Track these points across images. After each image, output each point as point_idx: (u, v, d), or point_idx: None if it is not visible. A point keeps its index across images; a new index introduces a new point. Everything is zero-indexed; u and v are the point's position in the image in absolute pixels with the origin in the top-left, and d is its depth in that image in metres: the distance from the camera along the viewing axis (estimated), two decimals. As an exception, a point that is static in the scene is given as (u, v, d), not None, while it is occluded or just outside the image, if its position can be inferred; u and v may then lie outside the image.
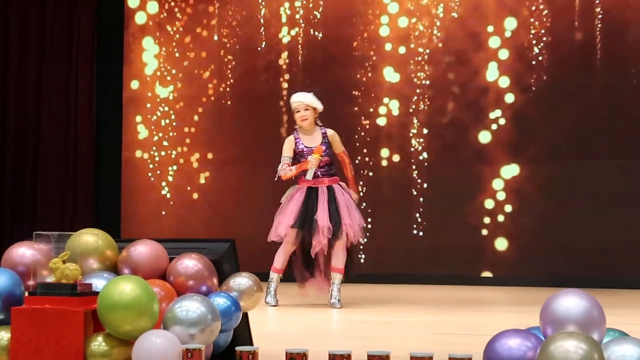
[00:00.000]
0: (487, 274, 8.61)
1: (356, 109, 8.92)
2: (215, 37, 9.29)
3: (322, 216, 6.25)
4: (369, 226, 8.43)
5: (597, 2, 8.44)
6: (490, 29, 8.68)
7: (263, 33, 9.18)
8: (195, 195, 9.29)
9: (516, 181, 8.60)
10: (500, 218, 8.60)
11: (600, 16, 8.43)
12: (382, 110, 8.87)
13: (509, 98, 8.62)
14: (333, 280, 6.35)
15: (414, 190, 8.79)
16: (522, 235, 8.54)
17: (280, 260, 6.41)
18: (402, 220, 8.78)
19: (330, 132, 6.49)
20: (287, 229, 6.32)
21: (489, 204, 8.62)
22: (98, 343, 3.18)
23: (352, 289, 7.39)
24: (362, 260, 8.52)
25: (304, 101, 6.43)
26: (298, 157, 6.42)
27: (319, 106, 6.48)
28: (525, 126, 8.57)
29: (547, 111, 8.53)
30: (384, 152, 8.83)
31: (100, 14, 9.41)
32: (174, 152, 9.36)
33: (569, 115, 8.47)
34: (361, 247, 6.49)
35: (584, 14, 8.47)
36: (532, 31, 8.57)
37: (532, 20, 8.58)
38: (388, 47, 8.90)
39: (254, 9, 9.22)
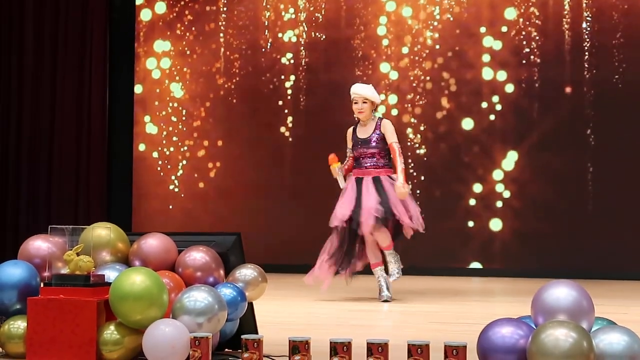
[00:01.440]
0: (478, 265, 8.66)
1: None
2: (222, 38, 9.35)
3: (367, 199, 6.18)
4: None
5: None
6: (485, 23, 8.76)
7: (267, 34, 9.24)
8: (203, 190, 9.33)
9: (514, 172, 8.65)
10: (498, 209, 8.66)
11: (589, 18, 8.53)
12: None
13: (506, 90, 8.70)
14: (387, 257, 6.31)
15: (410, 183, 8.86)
16: (518, 227, 8.61)
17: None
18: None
19: (384, 122, 6.39)
20: (338, 222, 6.28)
21: (484, 195, 8.69)
22: (110, 332, 3.27)
23: (352, 281, 7.47)
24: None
25: (362, 94, 6.34)
26: (354, 147, 6.40)
27: (377, 99, 6.42)
28: (520, 118, 8.65)
29: (543, 103, 8.61)
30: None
31: (113, 17, 9.49)
32: (182, 149, 9.41)
33: (563, 107, 8.57)
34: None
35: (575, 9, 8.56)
36: (529, 28, 8.66)
37: (531, 10, 8.66)
38: (387, 43, 8.97)
39: (258, 11, 9.29)
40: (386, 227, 6.26)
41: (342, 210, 6.28)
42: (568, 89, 8.58)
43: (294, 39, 9.20)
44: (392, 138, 6.32)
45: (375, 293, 6.39)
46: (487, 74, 8.75)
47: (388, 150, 6.34)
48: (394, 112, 8.89)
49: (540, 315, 2.88)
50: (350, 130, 6.50)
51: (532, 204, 8.60)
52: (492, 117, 8.73)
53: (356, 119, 6.49)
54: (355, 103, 6.38)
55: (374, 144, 6.34)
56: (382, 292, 6.31)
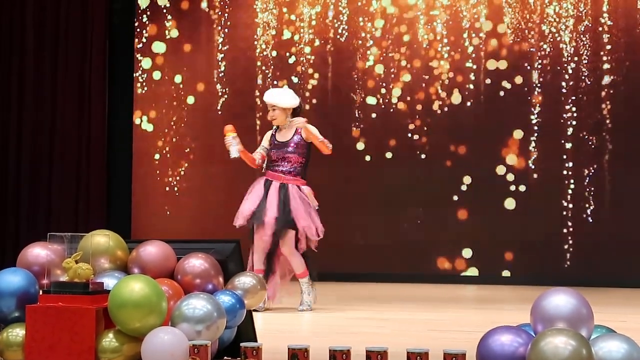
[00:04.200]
0: (474, 271, 8.65)
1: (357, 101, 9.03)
2: (219, 40, 9.38)
3: (270, 208, 6.09)
4: (367, 222, 8.51)
5: None
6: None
7: (260, 39, 9.27)
8: (202, 198, 9.33)
9: (514, 173, 8.68)
10: (499, 215, 8.68)
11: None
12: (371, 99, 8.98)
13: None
14: (301, 286, 6.17)
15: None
16: (519, 233, 8.61)
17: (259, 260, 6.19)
18: (397, 218, 8.85)
19: (305, 127, 6.15)
20: (243, 220, 6.21)
21: (482, 201, 8.71)
22: (109, 339, 3.26)
23: (349, 288, 7.49)
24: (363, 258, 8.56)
25: (270, 101, 6.28)
26: (272, 149, 6.27)
27: (287, 104, 6.24)
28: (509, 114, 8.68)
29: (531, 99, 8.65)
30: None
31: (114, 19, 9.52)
32: (182, 155, 9.43)
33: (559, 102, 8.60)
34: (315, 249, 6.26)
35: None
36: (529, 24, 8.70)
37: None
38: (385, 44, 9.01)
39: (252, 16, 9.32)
40: (293, 234, 6.10)
41: (247, 207, 6.20)
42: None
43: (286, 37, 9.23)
44: (319, 137, 6.14)
45: (374, 300, 6.39)
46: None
47: (304, 161, 6.22)
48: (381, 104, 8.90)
49: (540, 323, 2.88)
50: (270, 133, 6.39)
51: (530, 209, 8.60)
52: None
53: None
54: (269, 111, 6.33)
55: (291, 148, 6.20)
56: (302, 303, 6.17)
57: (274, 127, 6.37)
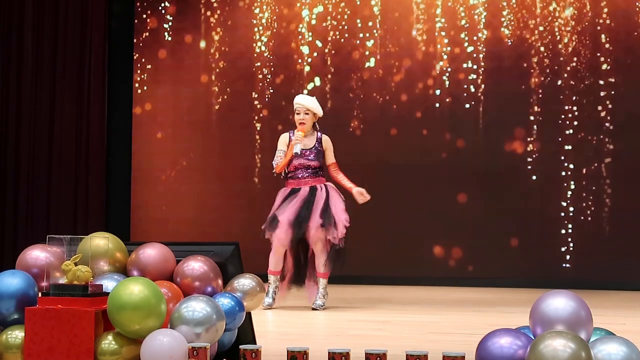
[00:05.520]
0: (472, 273, 8.67)
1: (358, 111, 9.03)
2: (217, 39, 9.39)
3: (313, 215, 6.23)
4: (370, 226, 8.51)
5: None
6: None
7: (259, 43, 9.29)
8: (201, 200, 9.33)
9: (513, 173, 8.68)
10: (497, 216, 8.68)
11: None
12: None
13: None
14: (318, 285, 6.35)
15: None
16: (517, 234, 8.60)
17: (273, 261, 6.38)
18: (401, 221, 8.85)
19: (326, 138, 6.47)
20: (276, 228, 6.29)
21: (483, 203, 8.72)
22: (108, 342, 3.26)
23: (349, 290, 7.49)
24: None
25: (305, 105, 6.41)
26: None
27: (319, 112, 6.46)
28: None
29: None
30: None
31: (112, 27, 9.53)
32: (181, 159, 9.42)
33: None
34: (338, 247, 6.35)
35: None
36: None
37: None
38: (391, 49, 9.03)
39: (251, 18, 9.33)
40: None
41: (286, 217, 6.29)
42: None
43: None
44: (332, 158, 6.47)
45: (372, 302, 6.39)
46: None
47: (320, 166, 6.43)
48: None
49: (539, 326, 2.89)
50: (286, 135, 6.50)
51: (529, 210, 8.61)
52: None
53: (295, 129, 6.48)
54: (298, 114, 6.42)
55: (312, 155, 6.39)
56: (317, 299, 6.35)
57: (291, 132, 6.47)
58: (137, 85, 9.55)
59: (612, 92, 8.50)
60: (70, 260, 3.38)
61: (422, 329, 5.35)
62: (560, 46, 8.60)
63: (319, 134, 6.48)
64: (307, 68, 9.16)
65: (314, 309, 6.27)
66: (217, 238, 8.31)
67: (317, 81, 9.14)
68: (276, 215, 6.30)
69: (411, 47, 8.95)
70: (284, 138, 6.52)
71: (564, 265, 8.48)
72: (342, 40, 9.10)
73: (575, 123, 8.55)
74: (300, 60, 9.18)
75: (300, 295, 6.48)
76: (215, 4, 9.43)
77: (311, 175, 6.39)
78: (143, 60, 9.54)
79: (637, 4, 8.46)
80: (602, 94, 8.51)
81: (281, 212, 6.30)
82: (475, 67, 8.78)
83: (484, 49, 8.77)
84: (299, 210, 6.27)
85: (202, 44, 9.45)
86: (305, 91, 8.95)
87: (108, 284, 3.46)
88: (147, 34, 9.57)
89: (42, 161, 9.30)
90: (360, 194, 6.42)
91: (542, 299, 2.92)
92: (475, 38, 8.79)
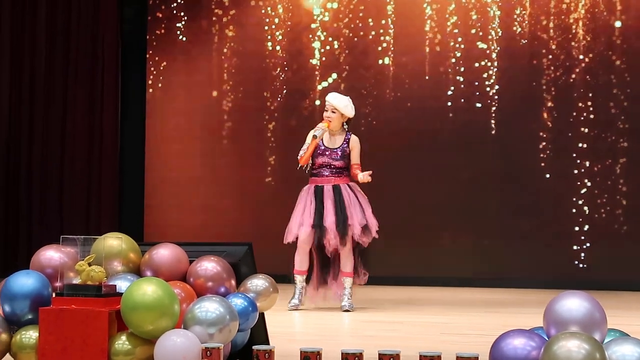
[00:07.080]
0: (491, 274, 8.64)
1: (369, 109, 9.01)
2: (230, 37, 9.40)
3: (329, 216, 6.27)
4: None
5: None
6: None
7: (270, 43, 9.30)
8: (215, 200, 9.34)
9: (526, 171, 8.66)
10: (511, 216, 8.65)
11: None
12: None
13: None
14: (344, 284, 6.39)
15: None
16: (532, 234, 8.57)
17: (298, 260, 6.42)
18: (414, 221, 8.83)
19: (354, 139, 6.47)
20: (299, 228, 6.34)
21: (494, 205, 8.69)
22: (122, 342, 3.26)
23: (362, 291, 7.47)
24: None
25: (333, 103, 6.42)
26: (315, 152, 6.43)
27: (348, 113, 6.44)
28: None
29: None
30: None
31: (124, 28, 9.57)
32: (194, 160, 9.44)
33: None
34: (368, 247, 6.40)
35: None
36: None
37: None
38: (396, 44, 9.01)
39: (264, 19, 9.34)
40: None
41: (298, 225, 6.34)
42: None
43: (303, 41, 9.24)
44: (357, 159, 6.46)
45: (386, 303, 6.39)
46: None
47: (345, 166, 6.45)
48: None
49: (553, 327, 2.88)
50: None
51: (543, 209, 8.57)
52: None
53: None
54: (326, 110, 6.46)
55: (339, 156, 6.41)
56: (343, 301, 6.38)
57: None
58: (150, 84, 9.56)
59: (628, 91, 8.46)
60: (84, 261, 3.38)
61: (436, 330, 5.34)
62: (573, 43, 8.57)
63: (349, 134, 6.49)
64: (318, 64, 9.16)
65: (346, 310, 6.27)
66: (231, 238, 8.32)
67: (334, 76, 9.11)
68: (298, 219, 6.35)
69: (423, 45, 8.93)
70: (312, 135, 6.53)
71: (578, 264, 8.44)
72: (356, 39, 9.09)
73: (588, 120, 8.52)
74: (312, 58, 9.18)
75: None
76: (226, 3, 9.44)
77: (335, 174, 6.41)
78: (156, 59, 9.56)
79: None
80: (614, 91, 8.48)
81: (305, 215, 6.34)
82: (489, 64, 8.76)
83: (497, 47, 8.74)
84: (323, 212, 6.30)
85: (215, 42, 9.44)
86: (320, 87, 8.98)
87: (121, 284, 3.46)
88: (160, 32, 9.57)
89: (55, 162, 9.34)
90: (365, 176, 6.37)
91: (556, 300, 2.91)
92: (489, 37, 8.76)
